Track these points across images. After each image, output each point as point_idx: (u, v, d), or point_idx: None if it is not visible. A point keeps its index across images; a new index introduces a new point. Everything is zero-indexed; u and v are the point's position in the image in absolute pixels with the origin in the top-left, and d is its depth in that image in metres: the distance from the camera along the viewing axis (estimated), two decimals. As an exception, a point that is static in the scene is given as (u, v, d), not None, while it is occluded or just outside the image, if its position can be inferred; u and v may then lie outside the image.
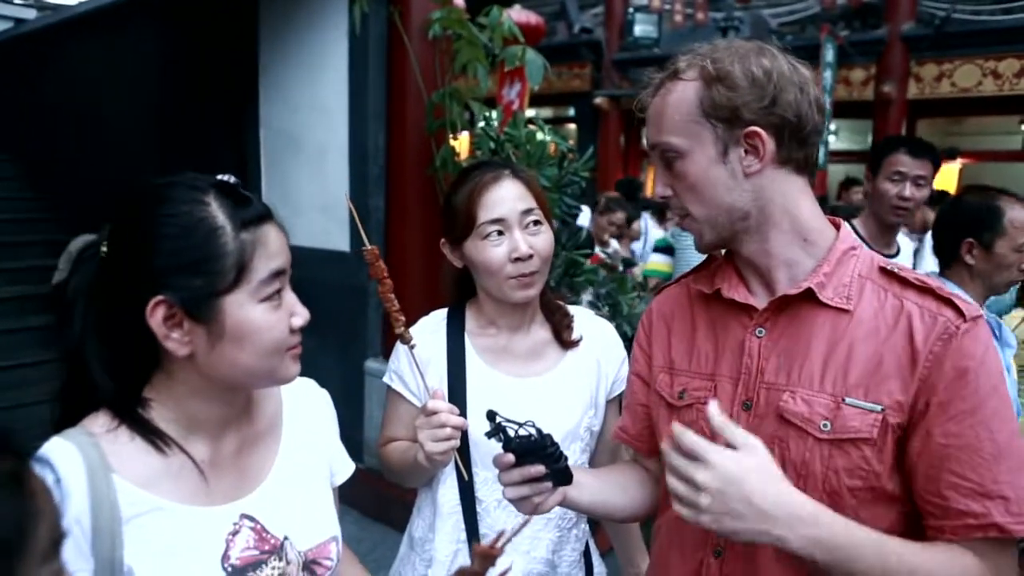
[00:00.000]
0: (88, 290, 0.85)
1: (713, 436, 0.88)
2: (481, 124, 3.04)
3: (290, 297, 0.88)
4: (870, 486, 0.89)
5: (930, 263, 2.53)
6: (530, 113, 3.11)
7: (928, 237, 2.54)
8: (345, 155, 3.50)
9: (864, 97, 8.90)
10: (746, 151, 0.92)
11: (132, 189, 0.86)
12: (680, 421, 1.01)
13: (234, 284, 0.82)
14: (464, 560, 1.30)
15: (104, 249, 0.84)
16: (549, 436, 1.00)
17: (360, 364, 3.53)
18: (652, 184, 10.63)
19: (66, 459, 0.80)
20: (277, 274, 0.85)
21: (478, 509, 1.30)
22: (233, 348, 0.83)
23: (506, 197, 1.26)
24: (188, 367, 0.85)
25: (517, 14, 4.82)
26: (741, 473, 0.78)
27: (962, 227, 1.92)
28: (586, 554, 1.41)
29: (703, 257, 1.10)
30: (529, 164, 2.74)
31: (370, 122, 3.39)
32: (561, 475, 1.01)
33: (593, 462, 1.41)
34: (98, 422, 0.85)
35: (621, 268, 4.09)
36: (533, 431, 0.99)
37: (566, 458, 1.02)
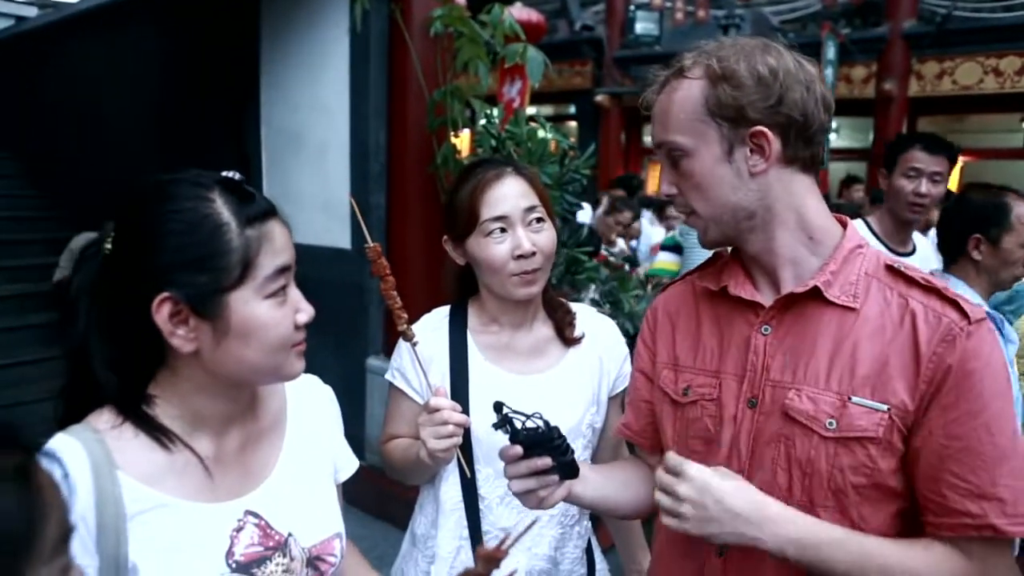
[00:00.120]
0: (92, 287, 0.85)
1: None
2: (482, 122, 3.04)
3: (295, 293, 0.88)
4: (874, 483, 0.89)
5: (933, 260, 2.53)
6: (531, 111, 3.11)
7: (931, 234, 2.54)
8: (346, 153, 3.50)
9: (865, 95, 8.90)
10: (752, 150, 0.92)
11: (136, 186, 0.86)
12: (684, 418, 1.02)
13: (239, 280, 0.82)
14: (466, 556, 1.30)
15: (108, 246, 0.84)
16: (556, 428, 0.99)
17: (361, 361, 3.53)
18: (653, 182, 10.64)
19: (71, 455, 0.80)
20: (282, 270, 0.85)
21: (480, 506, 1.30)
22: (238, 344, 0.83)
23: (509, 194, 1.26)
24: (193, 364, 0.85)
25: (518, 12, 4.81)
26: (714, 482, 0.88)
27: (969, 223, 1.93)
28: (588, 551, 1.41)
29: (711, 255, 1.11)
30: (530, 162, 2.74)
31: (371, 120, 3.39)
32: (568, 468, 1.01)
33: (595, 459, 1.41)
34: (102, 419, 0.85)
35: (627, 268, 4.09)
36: (540, 423, 0.98)
37: (573, 451, 1.02)
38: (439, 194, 3.27)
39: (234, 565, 0.86)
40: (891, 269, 0.94)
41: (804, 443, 0.90)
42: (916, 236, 2.54)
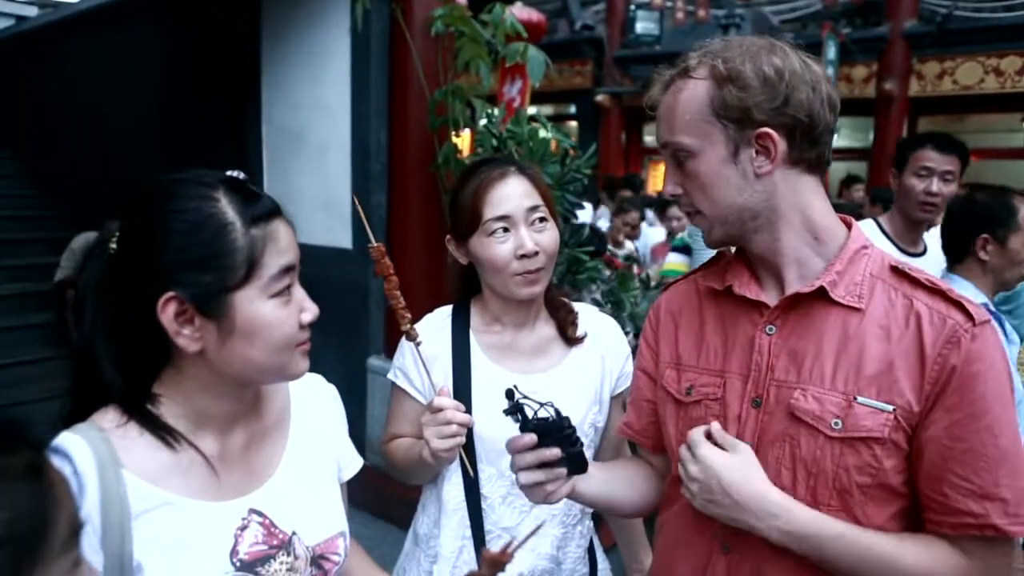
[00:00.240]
0: (97, 287, 0.85)
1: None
2: (483, 121, 3.04)
3: (299, 293, 0.88)
4: (878, 483, 0.89)
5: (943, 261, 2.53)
6: (531, 110, 3.11)
7: (934, 233, 2.52)
8: (347, 152, 3.50)
9: (866, 95, 8.90)
10: (757, 152, 0.92)
11: (140, 186, 0.86)
12: (688, 417, 1.02)
13: (244, 280, 0.82)
14: (469, 556, 1.30)
15: (113, 246, 0.85)
16: (567, 418, 0.99)
17: (363, 361, 3.53)
18: (653, 182, 10.64)
19: (77, 453, 0.80)
20: (287, 270, 0.85)
21: (483, 505, 1.30)
22: (244, 344, 0.83)
23: (512, 194, 1.26)
24: (198, 363, 0.85)
25: (518, 11, 4.81)
26: (721, 469, 0.91)
27: (976, 224, 1.94)
28: (590, 550, 1.41)
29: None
30: (531, 161, 2.74)
31: (372, 119, 3.39)
32: (576, 460, 1.00)
33: (597, 458, 1.41)
34: (107, 418, 0.85)
35: (645, 273, 4.08)
36: (552, 412, 0.98)
37: (582, 444, 1.02)
38: (440, 194, 3.27)
39: (238, 564, 0.87)
40: (896, 270, 0.94)
41: (809, 443, 0.91)
42: (927, 236, 2.51)
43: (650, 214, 5.92)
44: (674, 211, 4.64)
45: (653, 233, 5.47)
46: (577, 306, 1.43)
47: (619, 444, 1.43)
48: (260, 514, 0.91)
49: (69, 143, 5.87)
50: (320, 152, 3.64)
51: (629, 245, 4.92)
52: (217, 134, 4.37)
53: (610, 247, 4.40)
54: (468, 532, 1.31)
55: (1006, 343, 1.84)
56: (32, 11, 7.73)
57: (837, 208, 1.00)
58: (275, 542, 0.90)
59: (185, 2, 4.44)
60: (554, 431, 0.97)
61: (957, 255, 2.00)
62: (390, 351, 3.53)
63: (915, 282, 0.92)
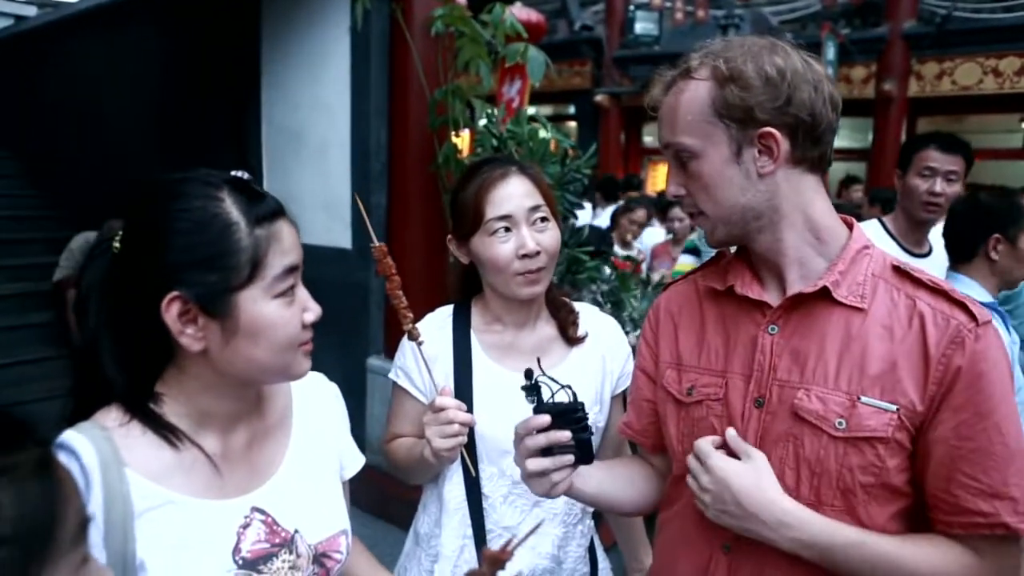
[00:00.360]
0: (101, 286, 0.86)
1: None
2: (483, 121, 3.04)
3: (302, 293, 0.88)
4: (881, 483, 0.90)
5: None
6: (530, 111, 3.11)
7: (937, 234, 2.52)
8: (347, 152, 3.50)
9: (865, 95, 8.91)
10: (760, 151, 0.92)
11: (145, 185, 0.86)
12: (689, 417, 1.02)
13: (249, 280, 0.82)
14: (470, 555, 1.30)
15: (117, 245, 0.85)
16: (582, 404, 0.99)
17: (362, 361, 3.53)
18: (652, 182, 10.64)
19: (82, 450, 0.80)
20: (291, 270, 0.86)
21: (484, 505, 1.30)
22: (247, 344, 0.83)
23: (514, 194, 1.26)
24: (201, 362, 0.85)
25: (518, 11, 4.81)
26: (733, 479, 0.90)
27: (988, 224, 1.97)
28: (591, 550, 1.42)
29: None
30: (531, 161, 2.74)
31: (372, 119, 3.39)
32: (584, 447, 1.00)
33: (598, 458, 1.41)
34: (110, 416, 0.85)
35: (646, 273, 4.06)
36: (569, 395, 0.98)
37: (591, 431, 1.02)
38: (440, 194, 3.28)
39: (241, 562, 0.87)
40: (898, 270, 0.95)
41: (813, 443, 0.91)
42: (932, 237, 2.51)
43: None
44: (676, 212, 4.63)
45: (652, 234, 5.47)
46: (578, 306, 1.43)
47: (620, 444, 1.43)
48: (262, 512, 0.91)
49: (69, 143, 5.87)
50: (320, 152, 3.64)
51: (637, 245, 4.87)
52: (217, 134, 4.37)
53: (617, 248, 4.38)
54: (469, 531, 1.31)
55: (1010, 341, 1.85)
56: (31, 11, 7.73)
57: (836, 209, 1.01)
58: (277, 540, 0.91)
59: (185, 2, 4.44)
60: (568, 414, 0.98)
61: (964, 255, 2.01)
62: (390, 351, 3.53)
63: (917, 282, 0.93)
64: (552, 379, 0.99)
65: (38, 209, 5.99)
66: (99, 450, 0.81)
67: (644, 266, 4.52)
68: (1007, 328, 1.89)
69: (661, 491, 1.17)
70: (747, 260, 1.02)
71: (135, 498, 0.81)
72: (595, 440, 1.39)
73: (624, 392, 1.41)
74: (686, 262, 3.67)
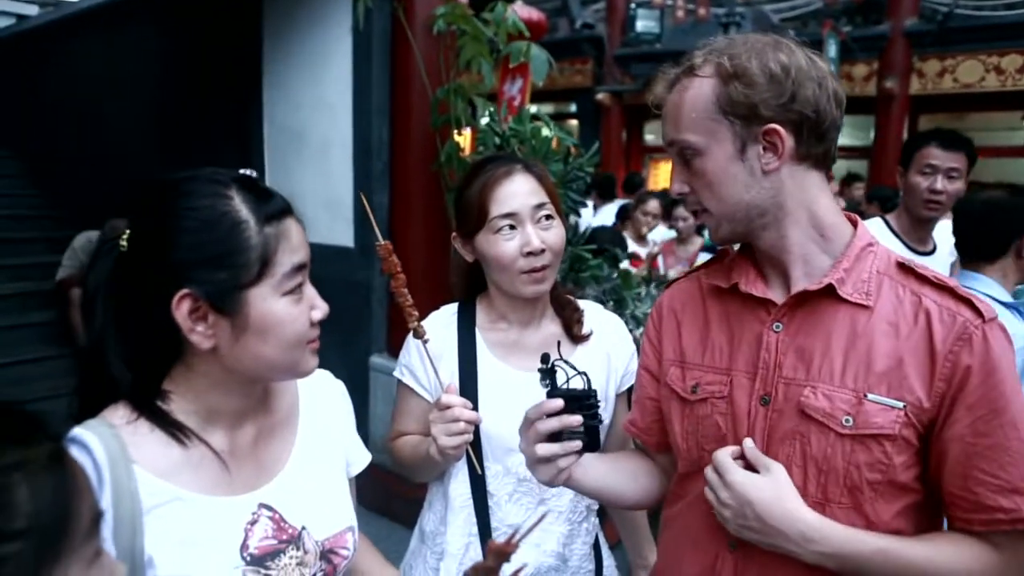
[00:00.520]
0: (108, 284, 0.86)
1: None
2: (485, 120, 3.04)
3: (310, 291, 0.89)
4: (888, 480, 0.90)
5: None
6: (532, 109, 3.11)
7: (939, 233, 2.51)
8: (349, 151, 3.50)
9: (866, 93, 8.90)
10: (764, 148, 0.92)
11: (152, 184, 0.86)
12: (693, 415, 1.03)
13: (258, 277, 0.83)
14: (475, 553, 1.31)
15: (124, 244, 0.85)
16: (595, 391, 1.00)
17: (365, 360, 3.54)
18: (653, 180, 10.62)
19: (93, 446, 0.80)
20: (299, 268, 0.86)
21: (489, 503, 1.31)
22: (256, 341, 0.84)
23: (518, 192, 1.27)
24: (210, 360, 0.86)
25: (519, 10, 4.81)
26: (754, 494, 0.89)
27: (1018, 224, 1.95)
28: (596, 547, 1.42)
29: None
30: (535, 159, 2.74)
31: (374, 118, 3.40)
32: (593, 435, 1.00)
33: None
34: (118, 414, 0.86)
35: (662, 271, 4.04)
36: (584, 382, 0.99)
37: (601, 420, 1.02)
38: (442, 192, 3.28)
39: (249, 558, 0.87)
40: (903, 267, 0.95)
41: (820, 440, 0.91)
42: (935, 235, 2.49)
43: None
44: (680, 211, 4.61)
45: (656, 232, 5.46)
46: (582, 304, 1.43)
47: (624, 441, 1.43)
48: (270, 509, 0.91)
49: (70, 142, 5.87)
50: (322, 151, 3.64)
51: (652, 237, 4.81)
52: (218, 133, 4.37)
53: (632, 244, 4.35)
54: (475, 529, 1.31)
55: None
56: (33, 10, 7.73)
57: (838, 207, 1.01)
58: (285, 537, 0.91)
59: (186, 1, 4.44)
60: (581, 400, 0.98)
61: (987, 254, 1.98)
62: (392, 349, 3.54)
63: (923, 279, 0.93)
64: (569, 364, 0.99)
65: (39, 208, 6.00)
66: (107, 447, 0.81)
67: (659, 260, 4.49)
68: None
69: (664, 487, 1.17)
70: (751, 257, 1.02)
71: (143, 495, 0.82)
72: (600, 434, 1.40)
73: (629, 390, 1.41)
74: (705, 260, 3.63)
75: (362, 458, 1.10)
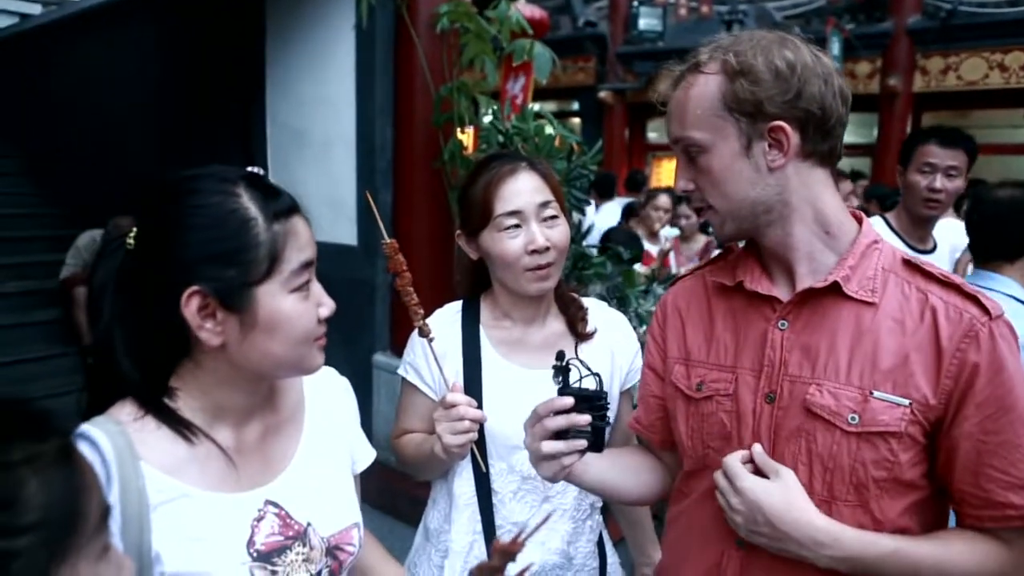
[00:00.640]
0: (114, 282, 0.86)
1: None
2: (488, 118, 3.04)
3: (317, 288, 0.89)
4: (894, 477, 0.90)
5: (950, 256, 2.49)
6: (535, 107, 3.11)
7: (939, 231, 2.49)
8: (352, 149, 3.51)
9: (870, 90, 8.87)
10: (770, 145, 0.92)
11: (160, 182, 0.87)
12: (698, 413, 1.03)
13: (267, 274, 0.83)
14: (480, 551, 1.31)
15: (131, 241, 0.85)
16: (606, 393, 1.00)
17: (368, 358, 3.54)
18: (656, 178, 10.61)
19: (101, 443, 0.81)
20: (307, 265, 0.87)
21: (494, 500, 1.31)
22: (265, 338, 0.84)
23: (523, 189, 1.27)
24: (218, 357, 0.86)
25: (522, 8, 4.80)
26: (764, 500, 0.89)
27: None
28: (600, 544, 1.42)
29: None
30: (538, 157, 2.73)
31: (377, 116, 3.40)
32: (599, 436, 1.01)
33: (606, 452, 1.42)
34: (124, 411, 0.86)
35: (673, 269, 4.02)
36: (596, 382, 1.00)
37: (609, 422, 1.02)
38: (445, 190, 3.28)
39: (255, 554, 0.87)
40: (908, 264, 0.95)
41: (826, 438, 0.91)
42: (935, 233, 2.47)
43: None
44: (683, 209, 4.60)
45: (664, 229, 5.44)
46: (587, 301, 1.43)
47: (628, 438, 1.43)
48: (276, 505, 0.91)
49: (73, 141, 5.88)
50: (325, 149, 3.64)
51: (664, 234, 4.78)
52: (221, 132, 4.38)
53: (645, 242, 4.34)
54: (479, 527, 1.31)
55: None
56: (36, 8, 7.73)
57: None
58: (291, 533, 0.91)
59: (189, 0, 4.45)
60: (592, 400, 0.99)
61: (1010, 254, 1.93)
62: (395, 348, 3.54)
63: (928, 276, 0.93)
64: (583, 363, 1.00)
65: (42, 207, 6.00)
66: (115, 444, 0.81)
67: (671, 258, 4.48)
68: None
69: (666, 484, 1.18)
70: (756, 255, 1.02)
71: (150, 491, 0.82)
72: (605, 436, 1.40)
73: (633, 387, 1.41)
74: None
75: (367, 455, 1.10)
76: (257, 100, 3.93)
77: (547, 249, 1.26)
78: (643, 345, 1.31)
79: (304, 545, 0.92)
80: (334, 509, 0.98)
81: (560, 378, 1.00)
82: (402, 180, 3.46)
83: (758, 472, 0.93)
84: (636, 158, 11.34)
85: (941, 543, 0.90)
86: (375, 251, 3.44)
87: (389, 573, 1.11)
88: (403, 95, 3.39)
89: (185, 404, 0.88)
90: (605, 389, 1.00)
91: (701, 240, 4.65)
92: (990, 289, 1.74)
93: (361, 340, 3.57)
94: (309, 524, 0.94)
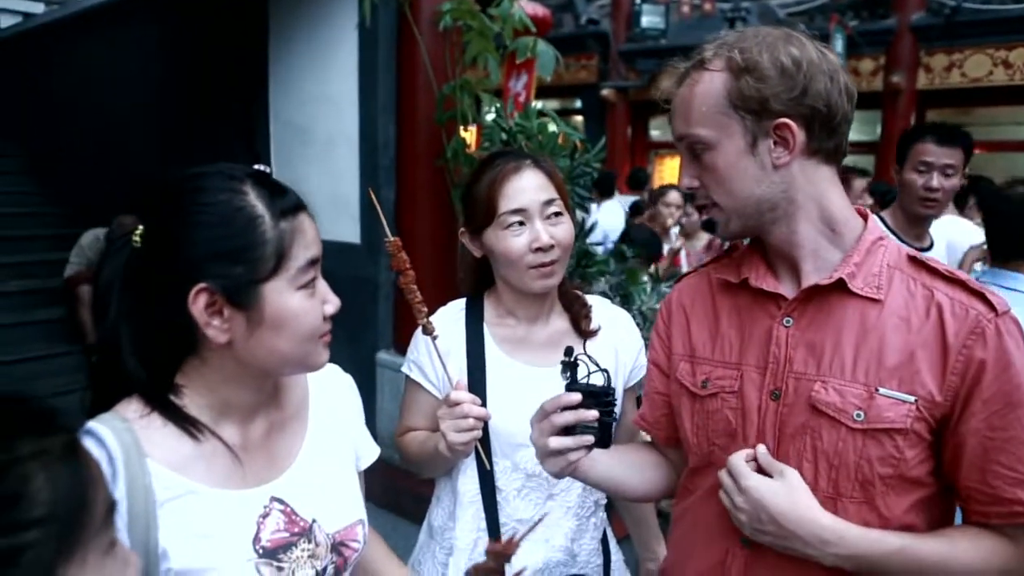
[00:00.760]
0: (121, 280, 0.86)
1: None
2: (491, 116, 3.04)
3: (322, 285, 0.90)
4: (900, 474, 0.90)
5: (954, 252, 2.48)
6: (537, 105, 3.11)
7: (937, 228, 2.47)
8: (355, 147, 3.51)
9: (873, 87, 8.85)
10: (775, 142, 0.92)
11: (166, 180, 0.87)
12: (703, 410, 1.03)
13: (274, 272, 0.83)
14: (484, 548, 1.31)
15: (137, 240, 0.85)
16: (613, 389, 1.01)
17: (371, 356, 3.55)
18: (659, 176, 10.61)
19: (107, 439, 0.81)
20: (313, 262, 0.87)
21: (498, 498, 1.31)
22: (271, 335, 0.84)
23: (527, 187, 1.27)
24: (224, 354, 0.86)
25: (525, 5, 4.80)
26: (769, 499, 0.89)
27: None
28: (604, 541, 1.42)
29: None
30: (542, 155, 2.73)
31: (380, 114, 3.40)
32: (606, 432, 1.01)
33: (610, 449, 1.42)
34: (131, 408, 0.86)
35: (684, 268, 4.01)
36: (604, 378, 1.00)
37: (616, 418, 1.02)
38: (448, 188, 3.28)
39: (261, 551, 0.88)
40: (914, 260, 0.95)
41: (831, 435, 0.91)
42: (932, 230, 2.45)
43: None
44: (686, 207, 4.60)
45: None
46: (590, 299, 1.43)
47: (632, 435, 1.43)
48: (281, 502, 0.92)
49: (75, 140, 5.89)
50: (328, 147, 3.65)
51: (675, 232, 4.77)
52: (224, 130, 4.38)
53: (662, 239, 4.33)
54: (483, 524, 1.32)
55: None
56: (39, 8, 7.74)
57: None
58: (296, 529, 0.92)
59: (192, -2, 4.45)
60: (599, 396, 0.99)
61: (1020, 253, 1.88)
62: (399, 345, 3.55)
63: (934, 272, 0.93)
64: (592, 359, 1.00)
65: (44, 206, 6.01)
66: (121, 441, 0.82)
67: (681, 256, 4.47)
68: None
69: (671, 480, 1.18)
70: (761, 252, 1.02)
71: (157, 488, 0.82)
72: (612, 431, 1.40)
73: (637, 385, 1.41)
74: None
75: (371, 452, 1.11)
76: (260, 98, 3.93)
77: (551, 247, 1.26)
78: (646, 343, 1.30)
79: (309, 541, 0.92)
80: (339, 505, 0.98)
81: (568, 374, 1.00)
82: (405, 178, 3.46)
83: (762, 471, 0.93)
84: (639, 156, 11.33)
85: (947, 540, 0.90)
86: (378, 249, 3.44)
87: (393, 571, 1.12)
88: (406, 93, 3.39)
89: (191, 401, 0.88)
90: (612, 386, 1.00)
91: (704, 237, 4.64)
92: (1009, 288, 1.73)
93: (365, 338, 3.57)
94: (314, 520, 0.94)
